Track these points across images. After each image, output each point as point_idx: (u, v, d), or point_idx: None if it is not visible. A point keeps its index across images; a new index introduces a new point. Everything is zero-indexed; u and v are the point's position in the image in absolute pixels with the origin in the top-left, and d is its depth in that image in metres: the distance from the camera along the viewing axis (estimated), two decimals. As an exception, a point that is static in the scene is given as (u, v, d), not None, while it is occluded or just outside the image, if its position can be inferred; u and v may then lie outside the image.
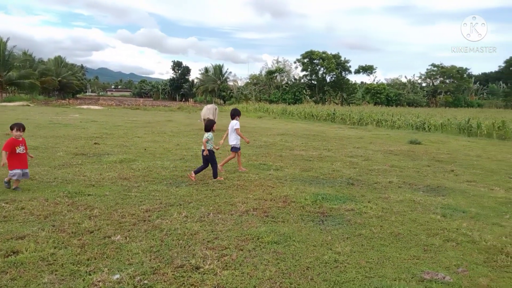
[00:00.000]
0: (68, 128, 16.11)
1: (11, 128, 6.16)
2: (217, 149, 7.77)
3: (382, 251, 4.20)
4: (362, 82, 77.76)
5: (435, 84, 70.14)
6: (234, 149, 8.36)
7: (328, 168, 9.05)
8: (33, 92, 51.62)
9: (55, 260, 3.60)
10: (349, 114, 29.57)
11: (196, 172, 7.38)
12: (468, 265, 3.90)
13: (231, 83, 71.68)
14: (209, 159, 7.42)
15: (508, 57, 68.05)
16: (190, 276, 3.42)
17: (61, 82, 62.43)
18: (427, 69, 69.53)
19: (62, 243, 4.02)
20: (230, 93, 67.70)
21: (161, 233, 4.42)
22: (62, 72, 64.41)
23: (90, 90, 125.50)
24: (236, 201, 5.92)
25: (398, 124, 25.37)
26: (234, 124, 8.36)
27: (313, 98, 59.30)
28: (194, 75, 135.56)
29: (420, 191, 7.14)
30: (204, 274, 3.48)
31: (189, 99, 76.78)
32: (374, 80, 66.65)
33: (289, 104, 45.98)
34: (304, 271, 3.64)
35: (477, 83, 79.99)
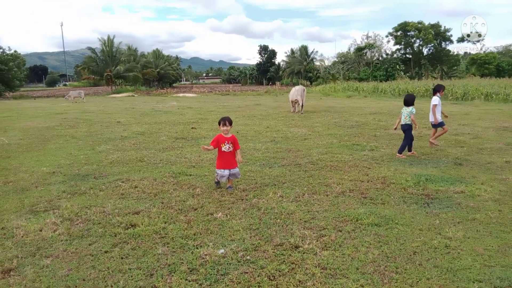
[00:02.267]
0: (168, 114, 17.45)
1: (219, 123, 5.57)
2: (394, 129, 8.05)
3: (503, 238, 3.72)
4: (465, 53, 69.49)
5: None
6: (439, 125, 8.34)
7: (430, 148, 8.33)
8: (136, 83, 57.05)
9: (166, 234, 3.93)
10: (451, 89, 26.75)
11: (409, 150, 7.66)
12: None
13: (317, 63, 70.03)
14: (406, 133, 7.58)
15: None
16: (290, 255, 3.44)
17: (159, 73, 67.82)
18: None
19: (171, 218, 4.36)
20: (316, 73, 66.29)
21: (259, 212, 4.53)
22: (160, 63, 69.85)
23: (184, 79, 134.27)
24: (330, 182, 5.79)
25: (513, 97, 22.22)
26: (433, 100, 8.30)
27: (407, 74, 54.91)
28: (280, 58, 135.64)
29: (548, 172, 6.15)
30: (304, 253, 3.47)
31: (276, 82, 77.24)
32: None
33: (380, 81, 43.24)
34: (410, 255, 3.40)
35: None
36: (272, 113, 17.35)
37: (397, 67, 54.34)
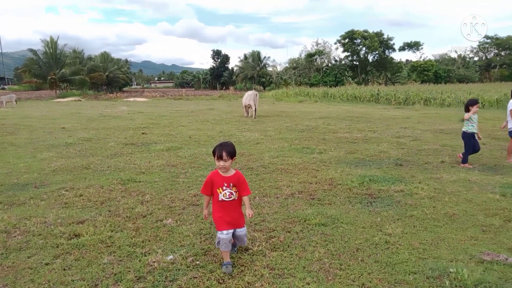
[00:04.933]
0: (117, 119, 16.86)
1: (213, 154, 3.29)
2: (479, 139, 7.23)
3: (436, 232, 4.03)
4: (407, 60, 74.14)
5: (488, 57, 65.38)
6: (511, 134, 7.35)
7: (374, 150, 8.79)
8: (83, 87, 54.44)
9: (112, 243, 3.81)
10: (394, 94, 28.43)
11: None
12: (533, 247, 3.65)
13: (270, 69, 71.22)
14: (464, 141, 7.11)
15: None
16: (240, 257, 3.48)
17: (108, 76, 65.29)
18: (480, 42, 64.84)
19: (118, 226, 4.24)
20: (269, 78, 67.37)
21: (210, 216, 4.51)
22: (109, 67, 67.29)
23: (135, 83, 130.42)
24: (281, 184, 5.92)
25: (448, 102, 24.07)
26: (509, 104, 7.30)
27: (355, 80, 57.54)
28: (234, 62, 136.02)
29: (476, 170, 6.74)
30: (253, 255, 3.53)
31: (230, 87, 77.37)
32: (420, 57, 63.34)
33: (330, 86, 44.90)
34: (354, 252, 3.58)
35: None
36: (226, 118, 17.38)
37: (345, 73, 56.73)
